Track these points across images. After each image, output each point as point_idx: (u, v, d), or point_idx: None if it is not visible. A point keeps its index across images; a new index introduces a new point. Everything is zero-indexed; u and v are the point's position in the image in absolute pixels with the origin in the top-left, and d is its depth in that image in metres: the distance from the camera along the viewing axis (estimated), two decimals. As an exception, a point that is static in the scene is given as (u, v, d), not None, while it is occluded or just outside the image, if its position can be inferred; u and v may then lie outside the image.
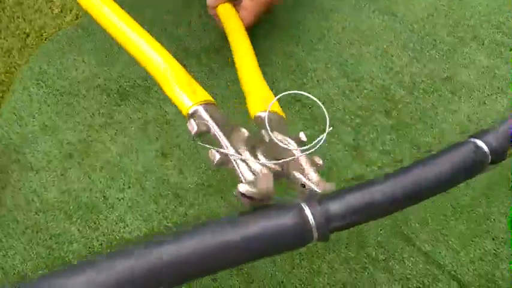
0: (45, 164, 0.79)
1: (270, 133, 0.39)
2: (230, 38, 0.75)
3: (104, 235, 0.72)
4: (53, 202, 0.75)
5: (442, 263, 0.66)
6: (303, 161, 0.40)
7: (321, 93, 0.85)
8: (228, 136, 0.40)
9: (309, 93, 0.90)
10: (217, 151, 0.38)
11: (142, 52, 0.55)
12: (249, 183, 0.34)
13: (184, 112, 0.47)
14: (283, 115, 0.49)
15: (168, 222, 0.73)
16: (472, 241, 0.68)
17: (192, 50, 0.93)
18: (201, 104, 0.45)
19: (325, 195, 0.34)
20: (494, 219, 0.69)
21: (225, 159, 0.38)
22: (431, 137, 0.78)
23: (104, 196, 0.75)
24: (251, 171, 0.37)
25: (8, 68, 0.95)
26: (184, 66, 0.93)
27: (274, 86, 0.87)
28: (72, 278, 0.27)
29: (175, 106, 0.86)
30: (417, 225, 0.69)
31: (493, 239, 0.68)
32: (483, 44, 0.88)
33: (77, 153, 0.80)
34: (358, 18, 0.95)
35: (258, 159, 0.38)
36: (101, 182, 0.77)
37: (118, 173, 0.77)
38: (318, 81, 0.87)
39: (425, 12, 0.93)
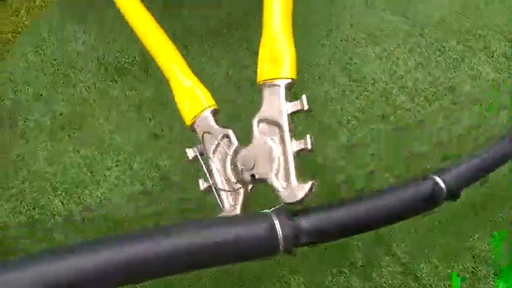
0: (37, 134, 0.79)
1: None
2: None
3: (87, 211, 0.72)
4: (41, 173, 0.75)
5: (419, 276, 0.66)
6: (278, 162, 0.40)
7: (321, 91, 0.84)
8: (214, 153, 0.43)
9: (310, 89, 0.89)
10: (203, 182, 0.43)
11: (159, 51, 0.56)
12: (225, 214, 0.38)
13: (186, 124, 0.49)
14: (292, 76, 0.45)
15: (151, 205, 0.72)
16: (452, 257, 0.67)
17: (195, 31, 0.91)
18: (201, 113, 0.46)
19: (297, 211, 0.34)
20: (478, 238, 0.69)
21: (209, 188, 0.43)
22: (427, 147, 0.77)
23: (91, 172, 0.75)
24: (227, 199, 0.40)
25: (15, 28, 0.94)
26: (185, 48, 0.91)
27: (274, 78, 0.86)
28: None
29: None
30: (400, 235, 0.69)
31: (473, 257, 0.67)
32: (492, 56, 0.86)
33: (68, 125, 0.80)
34: (368, 16, 0.92)
35: (238, 176, 0.40)
36: (89, 157, 0.76)
37: (108, 150, 0.77)
38: (319, 77, 0.86)
39: (438, 17, 0.90)
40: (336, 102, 0.83)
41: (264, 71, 0.43)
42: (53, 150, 0.77)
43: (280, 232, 0.31)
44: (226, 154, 0.40)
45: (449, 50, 0.87)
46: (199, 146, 0.44)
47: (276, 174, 0.38)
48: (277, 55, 0.43)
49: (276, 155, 0.39)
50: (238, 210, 0.38)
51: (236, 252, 0.30)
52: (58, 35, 0.90)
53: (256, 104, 0.80)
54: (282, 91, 0.41)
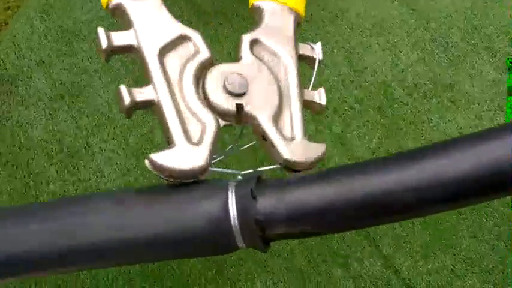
0: (36, 101, 0.80)
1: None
2: None
3: (80, 181, 0.73)
4: (37, 140, 0.76)
5: (398, 269, 0.68)
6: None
7: (321, 79, 0.84)
8: (162, 55, 0.24)
9: (310, 75, 0.89)
10: (130, 93, 0.23)
11: None
12: (179, 151, 0.22)
13: (103, 4, 0.26)
14: (299, 9, 0.29)
15: (144, 180, 0.74)
16: (433, 253, 0.69)
17: (202, 11, 0.91)
18: None
19: (269, 181, 0.21)
20: (460, 236, 0.70)
21: (146, 105, 0.23)
22: (419, 143, 0.77)
23: (86, 143, 0.76)
24: (185, 130, 0.23)
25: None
26: (191, 26, 0.91)
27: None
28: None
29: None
30: (384, 228, 0.70)
31: (454, 255, 0.69)
32: (495, 56, 0.85)
33: (68, 95, 0.81)
34: (375, 6, 0.92)
35: (208, 99, 0.24)
36: (86, 128, 0.77)
37: (105, 122, 0.78)
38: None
39: (445, 12, 0.90)
40: (335, 90, 0.83)
41: None
42: (51, 118, 0.78)
43: (235, 218, 0.19)
44: (187, 61, 0.24)
45: (453, 47, 0.86)
46: (130, 32, 0.24)
47: (276, 118, 0.24)
48: None
49: (277, 91, 0.25)
50: (204, 153, 0.22)
51: (163, 249, 0.20)
52: (64, 1, 0.90)
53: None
54: (292, 22, 0.27)
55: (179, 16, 0.88)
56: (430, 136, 0.78)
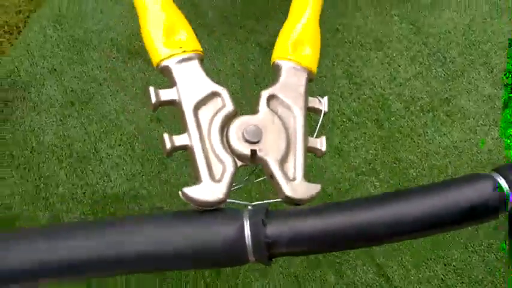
0: (47, 107, 0.84)
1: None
2: None
3: (88, 185, 0.77)
4: (48, 145, 0.80)
5: (390, 277, 0.70)
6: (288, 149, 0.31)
7: (320, 91, 0.87)
8: (197, 108, 0.31)
9: (310, 87, 0.92)
10: (171, 140, 0.29)
11: None
12: (204, 187, 0.28)
13: (154, 63, 0.33)
14: (313, 70, 0.35)
15: (149, 185, 0.77)
16: (425, 263, 0.71)
17: (207, 20, 0.94)
18: (178, 55, 0.32)
19: (276, 212, 0.27)
20: (451, 247, 0.73)
21: (182, 148, 0.30)
22: (414, 155, 0.80)
23: (95, 149, 0.80)
24: (210, 169, 0.29)
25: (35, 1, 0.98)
26: (196, 35, 0.94)
27: (277, 73, 0.89)
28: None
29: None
30: (377, 237, 0.73)
31: (445, 265, 0.71)
32: (491, 72, 0.88)
33: (78, 102, 0.84)
34: (376, 21, 0.95)
35: (230, 146, 0.30)
36: (94, 134, 0.81)
37: (112, 129, 0.82)
38: (320, 76, 0.89)
39: (444, 28, 0.92)
40: (334, 102, 0.86)
41: (286, 49, 0.34)
42: (61, 124, 0.82)
43: (250, 239, 0.25)
44: (215, 114, 0.31)
45: (450, 62, 0.89)
46: (173, 90, 0.31)
47: (282, 162, 0.30)
48: (305, 40, 0.35)
49: (285, 139, 0.31)
50: (223, 189, 0.28)
51: (191, 261, 0.26)
52: (76, 12, 0.93)
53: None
54: (304, 80, 0.33)
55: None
56: (425, 149, 0.80)
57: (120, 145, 0.80)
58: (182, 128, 0.30)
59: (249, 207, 0.28)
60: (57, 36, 0.92)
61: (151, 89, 0.31)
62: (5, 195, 0.76)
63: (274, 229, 0.26)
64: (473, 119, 0.83)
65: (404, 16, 0.96)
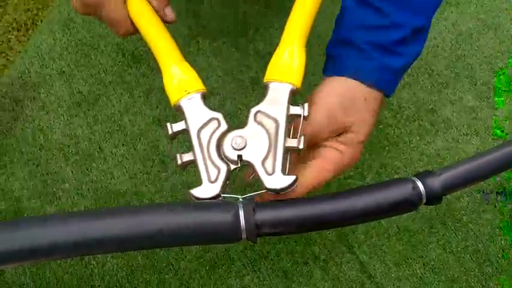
0: (56, 107, 0.89)
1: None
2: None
3: (92, 182, 0.82)
4: (55, 143, 0.85)
5: (373, 274, 0.75)
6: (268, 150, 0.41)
7: (314, 98, 0.92)
8: (200, 131, 0.42)
9: (305, 95, 0.97)
10: (181, 157, 0.42)
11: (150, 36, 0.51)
12: (204, 187, 0.39)
13: (172, 106, 0.45)
14: (297, 85, 0.44)
15: (149, 184, 0.82)
16: (405, 261, 0.77)
17: (208, 29, 0.99)
18: (185, 96, 0.43)
19: (262, 203, 0.37)
20: (430, 248, 0.78)
21: (189, 163, 0.42)
22: (399, 161, 0.85)
23: (99, 147, 0.85)
24: (208, 173, 0.40)
25: (44, 4, 1.03)
26: (197, 43, 1.00)
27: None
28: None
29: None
30: (362, 236, 0.78)
31: (424, 264, 0.77)
32: (475, 84, 0.93)
33: (85, 103, 0.89)
34: (368, 32, 1.00)
35: (223, 154, 0.41)
36: (99, 134, 0.86)
37: (116, 129, 0.87)
38: (314, 85, 0.94)
39: (432, 42, 0.97)
40: (326, 110, 0.91)
41: (274, 72, 0.43)
42: (68, 123, 0.87)
43: (243, 223, 0.35)
44: (213, 133, 0.41)
45: (437, 74, 0.94)
46: (182, 122, 0.43)
47: (263, 161, 0.39)
48: (290, 62, 0.44)
49: (267, 144, 0.40)
50: (218, 187, 0.39)
51: (201, 236, 0.35)
52: (84, 17, 0.98)
53: (253, 103, 0.89)
54: (287, 93, 0.42)
55: (188, 34, 0.96)
56: (409, 156, 0.85)
57: (123, 145, 0.85)
58: (190, 147, 0.41)
59: (241, 199, 0.38)
60: (66, 39, 0.97)
61: (168, 124, 0.43)
62: (15, 189, 0.81)
63: (261, 215, 0.36)
64: (456, 129, 0.88)
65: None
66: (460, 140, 0.87)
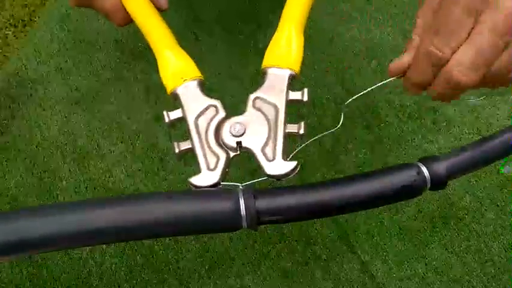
0: (53, 104, 0.88)
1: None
2: None
3: (90, 180, 0.81)
4: (53, 140, 0.84)
5: (374, 274, 0.75)
6: (268, 137, 0.39)
7: (315, 97, 0.91)
8: (197, 119, 0.40)
9: (302, 81, 0.96)
10: (178, 146, 0.40)
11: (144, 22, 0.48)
12: (203, 175, 0.37)
13: (168, 92, 0.44)
14: (295, 70, 0.43)
15: (148, 182, 0.81)
16: (407, 261, 0.76)
17: (207, 24, 0.98)
18: (182, 84, 0.43)
19: (263, 190, 0.35)
20: (432, 248, 0.77)
21: (187, 151, 0.40)
22: (401, 160, 0.84)
23: (97, 145, 0.84)
24: (207, 161, 0.39)
25: (41, 1, 1.01)
26: (196, 38, 0.99)
27: (274, 78, 0.93)
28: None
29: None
30: (363, 236, 0.77)
31: (426, 264, 0.76)
32: (478, 83, 0.92)
33: (82, 100, 0.88)
34: (370, 30, 0.99)
35: (221, 141, 0.40)
36: (97, 132, 0.85)
37: (114, 127, 0.85)
38: (315, 83, 0.93)
39: (434, 39, 0.96)
40: (326, 108, 0.90)
41: (272, 58, 0.43)
42: (66, 121, 0.86)
43: (244, 211, 0.33)
44: (211, 120, 0.40)
45: (439, 73, 0.93)
46: (179, 110, 0.41)
47: (263, 148, 0.39)
48: (288, 48, 0.44)
49: (267, 130, 0.39)
50: (218, 175, 0.38)
51: (201, 225, 0.34)
52: (81, 12, 0.97)
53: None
54: (286, 78, 0.42)
55: (185, 28, 0.95)
56: (411, 154, 0.84)
57: (121, 142, 0.84)
58: (187, 135, 0.39)
59: (241, 186, 0.36)
60: (64, 36, 0.96)
61: (165, 112, 0.41)
62: (11, 187, 0.80)
63: (262, 202, 0.34)
64: (458, 127, 0.87)
65: (398, 27, 1.00)
66: (462, 139, 0.86)
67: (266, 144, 0.39)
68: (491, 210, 0.80)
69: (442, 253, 0.77)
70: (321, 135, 0.40)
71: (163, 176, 0.81)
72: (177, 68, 0.43)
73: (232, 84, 0.93)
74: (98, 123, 0.86)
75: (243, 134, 0.39)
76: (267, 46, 0.99)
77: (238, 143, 0.39)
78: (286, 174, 0.38)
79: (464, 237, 0.79)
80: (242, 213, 0.34)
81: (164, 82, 0.44)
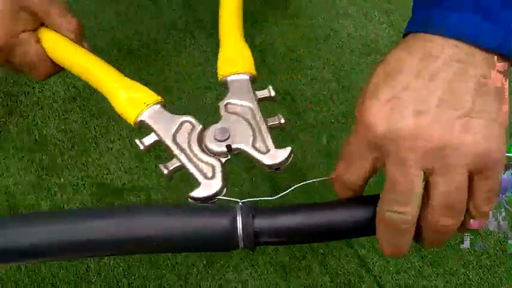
0: (50, 102, 0.88)
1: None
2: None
3: (88, 177, 0.81)
4: (51, 138, 0.84)
5: (371, 268, 0.75)
6: (253, 132, 0.40)
7: (311, 93, 0.92)
8: (175, 137, 0.40)
9: (301, 89, 0.97)
10: (165, 167, 0.39)
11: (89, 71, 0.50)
12: (203, 186, 0.36)
13: (131, 123, 0.43)
14: (253, 72, 0.44)
15: (145, 179, 0.82)
16: (403, 255, 0.76)
17: (205, 24, 0.99)
18: (146, 109, 0.42)
19: (262, 209, 0.33)
20: (428, 241, 0.78)
21: (177, 169, 0.40)
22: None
23: (95, 142, 0.84)
24: (202, 172, 0.38)
25: None
26: (193, 38, 0.99)
27: (270, 76, 0.94)
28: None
29: (178, 73, 0.94)
30: (360, 230, 0.78)
31: (422, 257, 0.76)
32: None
33: (80, 98, 0.88)
34: (365, 27, 1.00)
35: (209, 151, 0.39)
36: (95, 129, 0.85)
37: (112, 124, 0.86)
38: (311, 80, 0.94)
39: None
40: (323, 104, 0.91)
41: (228, 67, 0.44)
42: (63, 118, 0.86)
43: (241, 231, 0.31)
44: (190, 134, 0.40)
45: (434, 68, 0.94)
46: (152, 134, 0.41)
47: (253, 143, 0.39)
48: (239, 54, 0.45)
49: (250, 128, 0.40)
50: (219, 181, 0.37)
51: (193, 244, 0.32)
52: (78, 10, 0.97)
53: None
54: (249, 81, 0.43)
55: (184, 29, 0.96)
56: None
57: (119, 140, 0.84)
58: (170, 156, 0.39)
59: (240, 203, 0.35)
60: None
61: (137, 141, 0.41)
62: (9, 185, 0.80)
63: (260, 222, 0.32)
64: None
65: (393, 24, 1.01)
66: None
67: (255, 139, 0.39)
68: (486, 204, 0.81)
69: (438, 246, 0.77)
70: (310, 181, 0.38)
71: (160, 173, 0.81)
72: (135, 97, 0.43)
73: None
74: (96, 121, 0.86)
75: (228, 137, 0.39)
76: (264, 42, 1.00)
77: (228, 146, 0.39)
78: (286, 161, 0.38)
79: (460, 230, 0.79)
80: (239, 232, 0.32)
81: (125, 114, 0.43)
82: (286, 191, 0.37)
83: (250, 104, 0.41)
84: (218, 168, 0.38)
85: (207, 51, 0.96)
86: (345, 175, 0.34)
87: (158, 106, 0.42)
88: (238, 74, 0.43)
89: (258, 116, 0.40)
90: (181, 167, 0.39)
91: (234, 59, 0.44)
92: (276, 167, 0.38)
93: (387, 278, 0.74)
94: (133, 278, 0.72)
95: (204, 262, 0.74)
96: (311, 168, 0.83)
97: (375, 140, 0.31)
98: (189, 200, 0.36)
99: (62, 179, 0.81)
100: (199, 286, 0.72)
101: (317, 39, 0.99)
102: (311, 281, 0.74)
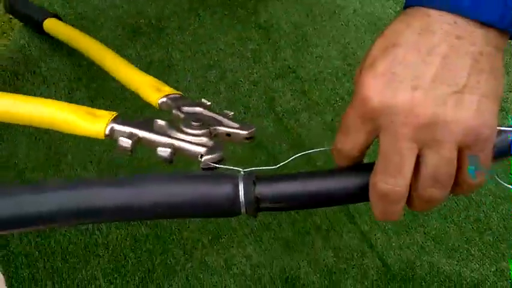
0: (56, 81, 0.89)
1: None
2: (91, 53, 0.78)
3: (95, 155, 0.82)
4: (57, 116, 0.85)
5: (373, 243, 0.76)
6: (219, 117, 0.45)
7: (316, 70, 0.91)
8: (151, 132, 0.42)
9: (306, 67, 0.96)
10: (161, 150, 0.41)
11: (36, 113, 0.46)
12: (208, 152, 0.38)
13: (103, 137, 0.43)
14: (178, 92, 0.53)
15: (150, 157, 0.82)
16: (406, 231, 0.77)
17: (210, 2, 0.98)
18: (111, 122, 0.44)
19: (263, 177, 0.35)
20: (431, 217, 0.78)
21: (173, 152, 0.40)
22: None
23: (101, 121, 0.85)
24: (201, 142, 0.40)
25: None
26: (198, 16, 0.99)
27: (275, 54, 0.93)
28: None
29: (182, 52, 0.94)
30: (363, 207, 0.78)
31: (424, 233, 0.77)
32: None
33: (85, 77, 0.89)
34: (371, 4, 0.98)
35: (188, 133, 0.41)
36: (101, 107, 0.86)
37: (118, 103, 0.87)
38: (316, 57, 0.93)
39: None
40: (328, 82, 0.90)
41: (157, 94, 0.53)
42: (69, 97, 0.87)
43: (243, 197, 0.33)
44: (168, 127, 0.43)
45: (440, 45, 0.93)
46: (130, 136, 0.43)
47: (225, 124, 0.43)
48: (151, 81, 0.56)
49: (213, 113, 0.45)
50: (218, 147, 0.39)
51: (198, 210, 0.33)
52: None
53: (255, 75, 0.88)
54: (179, 97, 0.50)
55: (189, 8, 0.95)
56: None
57: (125, 118, 0.85)
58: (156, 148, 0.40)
59: (242, 172, 0.35)
60: (65, 13, 0.96)
61: (120, 140, 0.42)
62: (18, 162, 0.81)
63: (261, 188, 0.34)
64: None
65: (399, 0, 0.99)
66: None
67: (224, 122, 0.44)
68: (490, 181, 0.81)
69: (441, 223, 0.78)
70: (311, 151, 0.39)
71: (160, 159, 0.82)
72: (95, 115, 0.46)
73: (234, 60, 0.93)
74: (102, 100, 0.87)
75: (203, 123, 0.41)
76: (268, 20, 1.00)
77: (206, 128, 0.41)
78: (255, 131, 0.43)
79: (464, 207, 0.80)
80: (241, 198, 0.33)
81: (92, 136, 0.45)
82: (287, 161, 0.37)
83: (197, 108, 0.47)
84: (210, 141, 0.40)
85: (211, 29, 0.96)
86: (343, 146, 0.34)
87: (119, 117, 0.44)
88: (170, 95, 0.52)
89: (212, 112, 0.45)
90: (175, 151, 0.40)
91: (154, 87, 0.54)
92: (249, 137, 0.42)
93: (389, 253, 0.75)
94: (140, 252, 0.73)
95: (209, 237, 0.75)
96: (315, 146, 0.84)
97: (369, 113, 0.31)
98: (201, 167, 0.38)
99: (70, 156, 0.82)
100: (205, 260, 0.74)
101: (322, 16, 0.98)
102: (314, 256, 0.75)
